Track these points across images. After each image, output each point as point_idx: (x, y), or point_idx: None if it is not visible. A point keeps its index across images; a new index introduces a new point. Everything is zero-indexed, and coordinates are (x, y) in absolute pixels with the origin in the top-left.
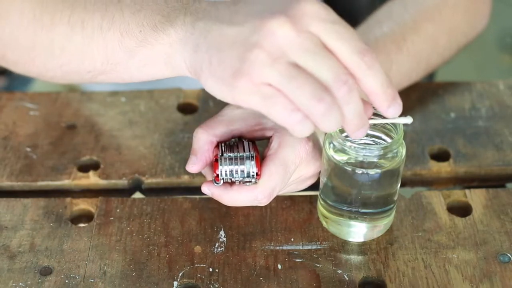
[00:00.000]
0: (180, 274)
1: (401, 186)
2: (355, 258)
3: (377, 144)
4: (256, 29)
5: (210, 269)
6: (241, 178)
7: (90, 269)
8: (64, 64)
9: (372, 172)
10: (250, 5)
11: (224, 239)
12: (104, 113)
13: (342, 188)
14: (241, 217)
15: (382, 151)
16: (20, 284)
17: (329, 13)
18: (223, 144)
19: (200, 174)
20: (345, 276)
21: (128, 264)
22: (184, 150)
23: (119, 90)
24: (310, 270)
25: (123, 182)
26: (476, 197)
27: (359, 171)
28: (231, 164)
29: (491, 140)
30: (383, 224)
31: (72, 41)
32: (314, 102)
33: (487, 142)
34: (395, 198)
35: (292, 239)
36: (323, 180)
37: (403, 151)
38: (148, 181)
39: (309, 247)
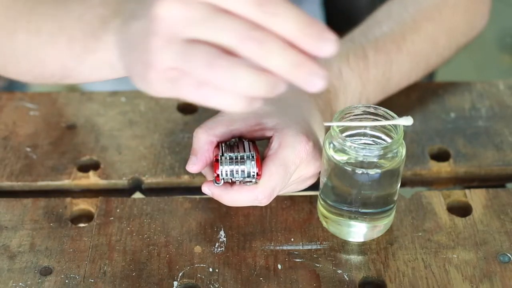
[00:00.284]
0: (180, 274)
1: (401, 186)
2: (355, 258)
3: (377, 144)
4: (149, 18)
5: (210, 269)
6: (241, 178)
7: (90, 269)
8: (30, 70)
9: (372, 172)
10: None
11: (224, 239)
12: (104, 113)
13: (342, 188)
14: (241, 217)
15: (382, 151)
16: (20, 284)
17: None
18: (223, 144)
19: (200, 174)
20: (345, 276)
21: (128, 264)
22: (184, 150)
23: (119, 90)
24: (310, 270)
25: (123, 182)
26: (476, 197)
27: (359, 171)
28: (231, 164)
29: (491, 140)
30: (383, 224)
31: (32, 48)
32: (207, 71)
33: (487, 142)
34: (395, 198)
35: (292, 239)
36: (323, 180)
37: (403, 151)
38: (148, 181)
39: (309, 247)
